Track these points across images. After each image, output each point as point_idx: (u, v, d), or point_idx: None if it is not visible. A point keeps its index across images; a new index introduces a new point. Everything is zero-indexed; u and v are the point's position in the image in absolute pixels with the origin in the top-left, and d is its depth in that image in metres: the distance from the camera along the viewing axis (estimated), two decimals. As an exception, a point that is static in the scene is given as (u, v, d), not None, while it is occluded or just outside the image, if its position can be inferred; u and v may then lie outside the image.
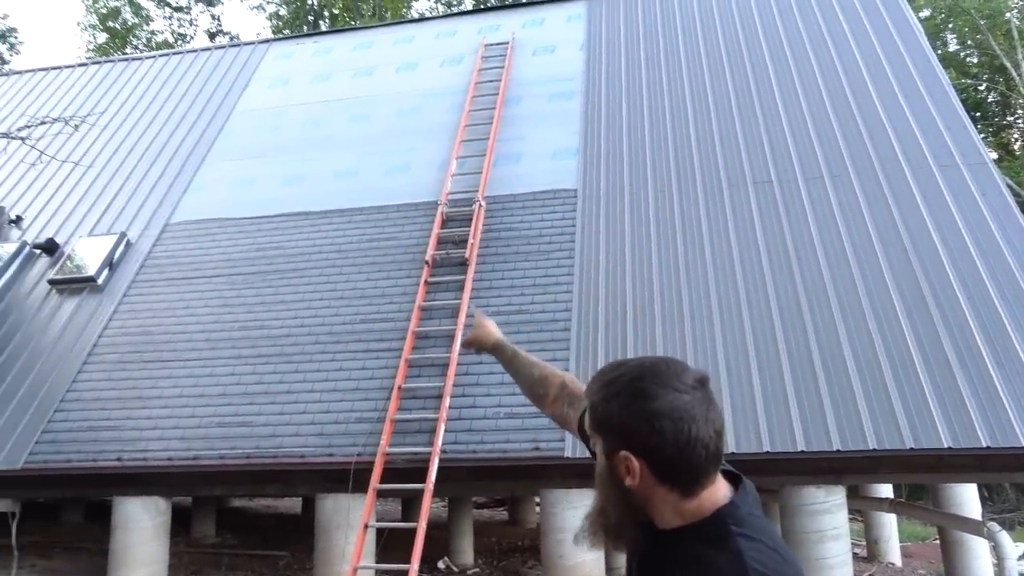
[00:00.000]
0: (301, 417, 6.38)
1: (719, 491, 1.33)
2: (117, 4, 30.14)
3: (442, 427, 5.93)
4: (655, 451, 1.27)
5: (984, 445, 4.96)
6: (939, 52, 21.63)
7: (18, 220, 9.53)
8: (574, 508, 5.67)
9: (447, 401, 6.09)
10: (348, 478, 5.88)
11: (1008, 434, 4.97)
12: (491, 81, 9.38)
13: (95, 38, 30.71)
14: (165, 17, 31.18)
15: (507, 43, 10.02)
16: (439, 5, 28.92)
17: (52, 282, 8.27)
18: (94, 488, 6.90)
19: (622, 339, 6.28)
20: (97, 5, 30.14)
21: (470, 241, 7.26)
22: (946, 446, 5.01)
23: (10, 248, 8.88)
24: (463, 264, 7.18)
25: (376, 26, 12.37)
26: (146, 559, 6.30)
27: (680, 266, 6.74)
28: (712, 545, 1.26)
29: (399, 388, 6.32)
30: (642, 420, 1.27)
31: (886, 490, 8.79)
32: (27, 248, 8.91)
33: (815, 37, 8.77)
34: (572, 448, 5.65)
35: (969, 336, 5.61)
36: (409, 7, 28.01)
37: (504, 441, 5.84)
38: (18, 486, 6.78)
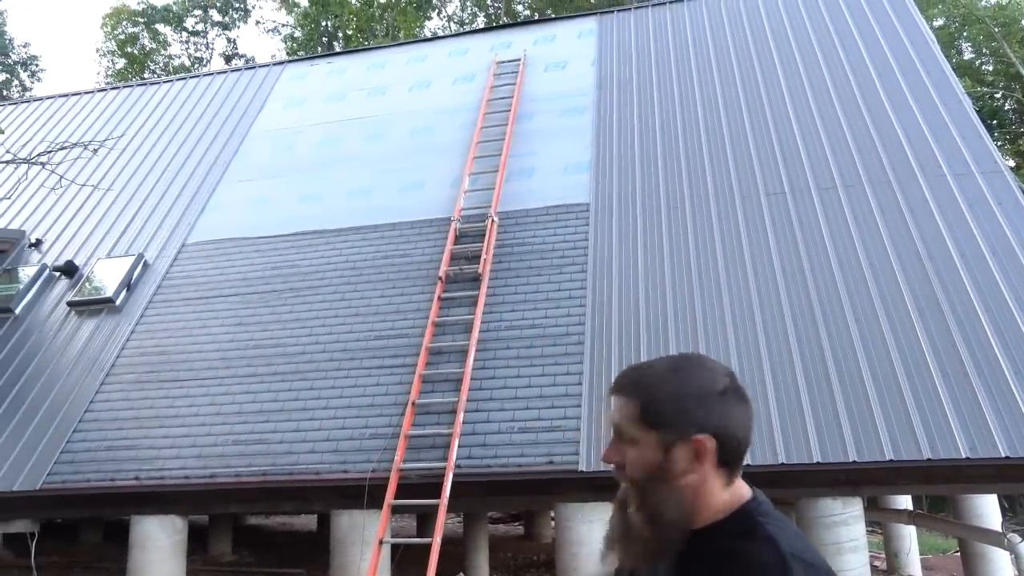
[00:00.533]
0: (316, 434, 6.40)
1: (743, 485, 1.38)
2: (135, 30, 30.67)
3: (456, 442, 5.94)
4: (726, 429, 1.33)
5: (1003, 455, 4.89)
6: (954, 61, 21.54)
7: (38, 243, 9.68)
8: (589, 522, 5.64)
9: (461, 416, 6.10)
10: (363, 494, 5.89)
11: (1028, 443, 4.90)
12: (503, 98, 9.44)
13: (114, 64, 31.25)
14: (182, 42, 31.70)
15: (519, 60, 10.09)
16: (452, 24, 29.19)
17: (71, 304, 8.38)
18: (112, 507, 6.95)
19: (636, 352, 6.27)
20: (115, 32, 30.69)
21: (483, 257, 7.29)
22: (964, 456, 4.96)
23: (30, 271, 9.01)
24: (476, 279, 7.21)
25: (389, 46, 12.51)
26: (164, 577, 6.32)
27: (693, 278, 6.73)
28: (744, 537, 1.29)
29: (413, 404, 6.33)
30: (712, 400, 1.34)
31: (905, 502, 8.68)
32: (47, 271, 9.04)
33: (827, 47, 8.78)
34: (586, 462, 5.64)
35: (986, 344, 5.55)
36: (422, 27, 28.28)
37: (518, 455, 5.83)
38: (37, 507, 6.84)
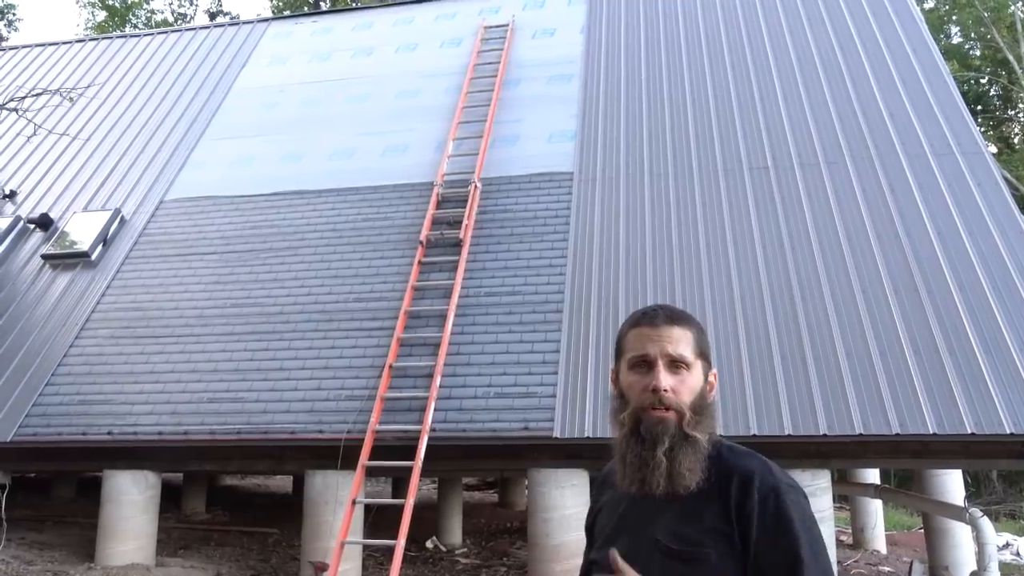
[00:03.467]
0: (292, 394, 6.39)
1: None
2: (117, -19, 29.96)
3: (432, 406, 5.95)
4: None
5: (969, 431, 4.98)
6: (942, 44, 21.56)
7: (12, 195, 9.51)
8: (561, 488, 5.70)
9: (438, 380, 6.11)
10: (338, 455, 5.91)
11: (993, 420, 4.99)
12: (490, 63, 9.35)
13: (94, 16, 30.56)
14: (165, -5, 31.00)
15: (507, 25, 9.98)
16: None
17: (46, 257, 8.27)
18: (84, 461, 6.92)
19: (614, 321, 6.29)
20: (97, -18, 29.96)
21: (465, 222, 7.26)
22: (931, 432, 5.04)
23: (4, 223, 8.86)
24: (457, 245, 7.18)
25: (376, 7, 12.32)
26: (135, 532, 6.32)
27: (674, 251, 6.74)
28: (721, 455, 1.55)
29: (390, 367, 6.33)
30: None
31: (873, 477, 8.84)
32: (21, 223, 8.90)
33: (816, 23, 8.75)
34: (561, 428, 5.67)
35: (958, 323, 5.62)
36: (411, -10, 27.82)
37: (494, 420, 5.86)
38: (7, 459, 6.81)
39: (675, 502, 1.49)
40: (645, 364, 1.55)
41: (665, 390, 1.51)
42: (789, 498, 1.46)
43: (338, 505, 5.91)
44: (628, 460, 1.53)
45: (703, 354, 1.58)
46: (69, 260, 8.17)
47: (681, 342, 1.55)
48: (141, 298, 7.54)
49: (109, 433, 6.43)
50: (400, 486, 9.74)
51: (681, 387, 1.53)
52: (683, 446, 1.49)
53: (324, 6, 27.86)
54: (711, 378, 1.59)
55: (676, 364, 1.54)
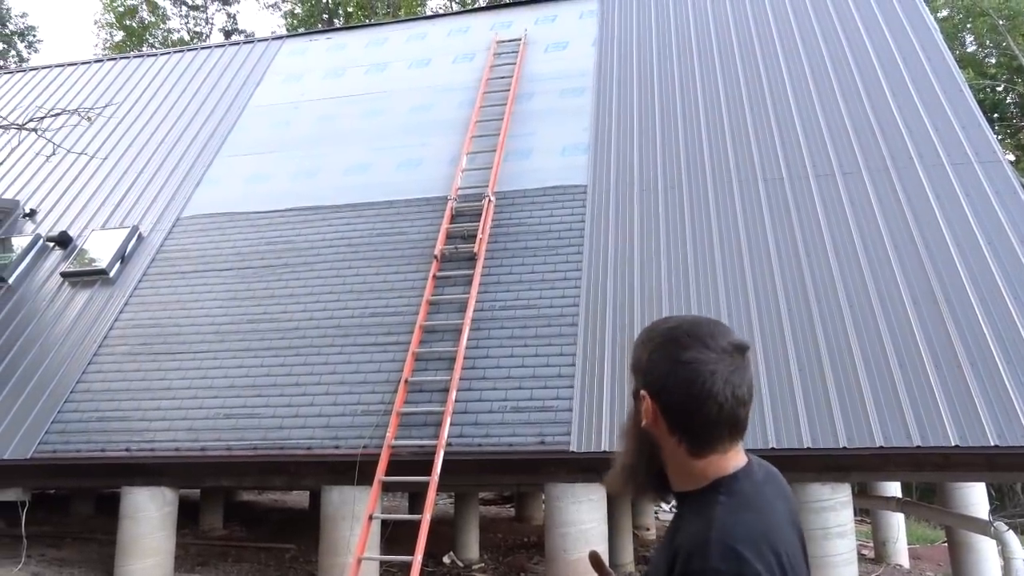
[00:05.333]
0: (308, 409, 6.40)
1: (729, 462, 1.35)
2: (134, 3, 30.39)
3: (448, 420, 5.94)
4: (667, 394, 1.34)
5: (992, 443, 4.91)
6: (957, 53, 21.44)
7: (33, 213, 9.62)
8: (578, 502, 5.66)
9: (453, 394, 6.10)
10: (354, 470, 5.90)
11: (1017, 432, 4.92)
12: (503, 77, 9.38)
13: (112, 36, 30.98)
14: (181, 16, 31.42)
15: (519, 39, 10.02)
16: (453, 4, 28.97)
17: (65, 274, 8.35)
18: (102, 478, 6.95)
19: (630, 335, 6.26)
20: (115, 3, 30.40)
21: (479, 236, 7.27)
22: (953, 444, 4.97)
23: (24, 241, 8.97)
24: (472, 259, 7.19)
25: (389, 23, 12.41)
26: (153, 549, 6.34)
27: (689, 262, 6.72)
28: (697, 512, 1.30)
29: (406, 381, 6.33)
30: (663, 364, 1.35)
31: (894, 490, 8.72)
32: (41, 241, 8.99)
33: (829, 33, 8.72)
34: (578, 442, 5.64)
35: (979, 334, 5.55)
36: (423, 6, 28.07)
37: (510, 435, 5.84)
38: (27, 476, 6.84)
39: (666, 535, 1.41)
40: None
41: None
42: None
43: (355, 521, 5.90)
44: None
45: (633, 367, 1.42)
46: (88, 277, 8.24)
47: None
48: (158, 314, 7.59)
49: (127, 449, 6.46)
50: (416, 501, 9.71)
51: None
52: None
53: (338, 23, 28.13)
54: (642, 399, 1.38)
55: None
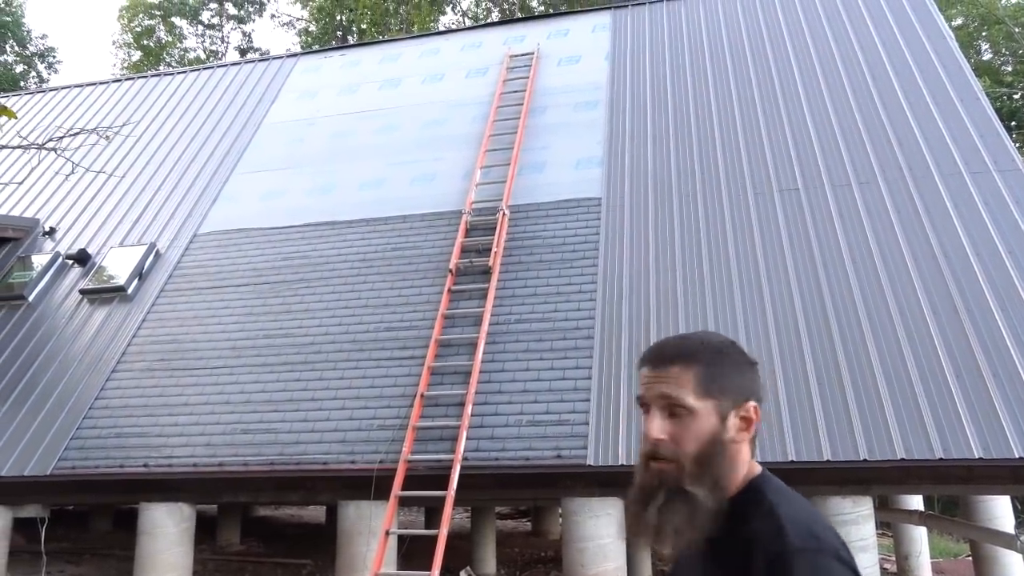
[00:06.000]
0: (324, 424, 6.40)
1: (756, 463, 1.44)
2: (151, 23, 30.81)
3: (464, 434, 5.92)
4: (760, 399, 1.42)
5: (1017, 455, 4.83)
6: (972, 61, 21.32)
7: (52, 231, 9.73)
8: (596, 517, 5.62)
9: (469, 408, 6.08)
10: (370, 485, 5.89)
11: (1042, 444, 4.84)
12: (516, 91, 9.42)
13: (130, 56, 31.42)
14: (197, 35, 31.82)
15: (532, 54, 10.06)
16: (465, 20, 29.16)
17: (84, 292, 8.42)
18: (120, 494, 6.97)
19: (646, 346, 6.19)
20: (132, 24, 30.83)
21: (494, 250, 7.27)
22: (977, 456, 4.90)
23: (44, 259, 9.06)
24: (486, 273, 7.19)
25: (402, 39, 12.50)
26: (171, 565, 6.34)
27: (705, 274, 6.68)
28: (749, 508, 1.34)
29: (421, 396, 6.32)
30: (755, 375, 1.43)
31: (916, 503, 8.61)
32: (60, 259, 9.09)
33: (843, 43, 8.70)
34: (594, 456, 5.61)
35: (1001, 344, 5.48)
36: (436, 22, 28.27)
37: (526, 448, 5.81)
38: (47, 492, 6.88)
39: (709, 550, 1.35)
40: (646, 408, 1.40)
41: (659, 439, 1.35)
42: (798, 564, 1.23)
43: (371, 536, 5.88)
44: (628, 512, 1.42)
45: (717, 391, 1.36)
46: (106, 294, 8.31)
47: (679, 383, 1.36)
48: (175, 330, 7.63)
49: (145, 465, 6.48)
50: (433, 516, 9.69)
51: (683, 434, 1.35)
52: (675, 503, 1.32)
53: (351, 40, 28.36)
54: (740, 415, 1.38)
55: (674, 408, 1.36)
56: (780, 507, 1.31)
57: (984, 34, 23.33)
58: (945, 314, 5.80)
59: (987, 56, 23.94)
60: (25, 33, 28.74)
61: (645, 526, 1.35)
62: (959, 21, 23.29)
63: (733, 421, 1.37)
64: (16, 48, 28.61)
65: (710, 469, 1.34)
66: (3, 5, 27.15)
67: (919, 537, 8.64)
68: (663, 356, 1.40)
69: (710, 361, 1.38)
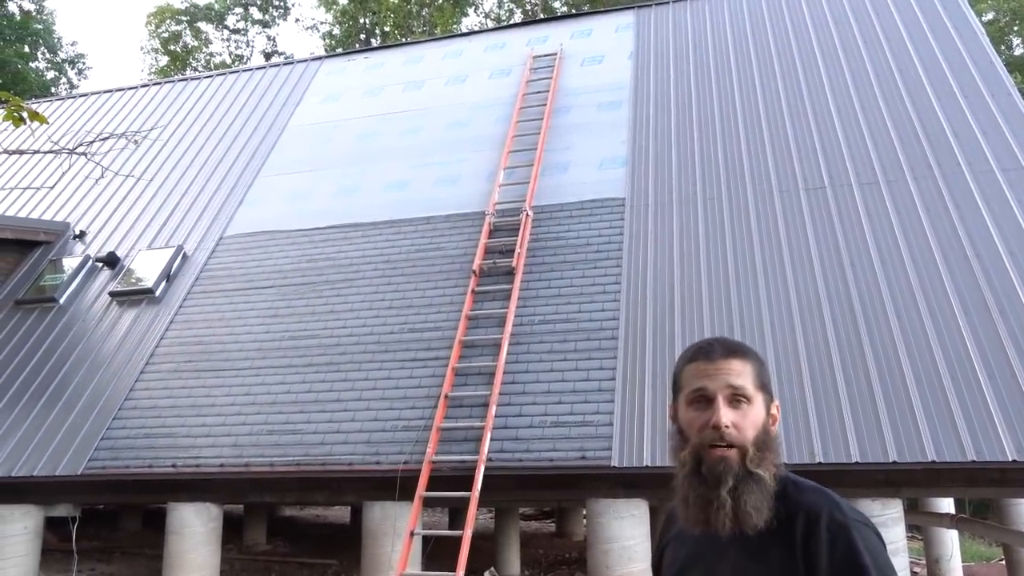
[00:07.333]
0: (349, 425, 6.43)
1: None
2: (178, 28, 31.20)
3: (488, 435, 5.92)
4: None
5: (1052, 458, 4.73)
6: (1003, 56, 20.96)
7: (82, 235, 9.88)
8: (620, 518, 5.59)
9: (493, 409, 6.08)
10: (395, 486, 5.90)
11: (1078, 446, 4.73)
12: (539, 92, 9.40)
13: (157, 61, 31.83)
14: (223, 39, 32.17)
15: (555, 54, 10.05)
16: (488, 21, 29.20)
17: (113, 294, 8.53)
18: (149, 494, 7.06)
19: (670, 348, 6.19)
20: (159, 30, 31.24)
21: (517, 251, 7.26)
22: (1011, 459, 4.80)
23: (74, 262, 9.20)
24: (510, 273, 7.19)
25: (426, 40, 12.53)
26: (198, 564, 6.41)
27: (730, 274, 6.63)
28: (790, 489, 1.49)
29: (446, 396, 6.33)
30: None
31: (947, 505, 8.46)
32: (90, 262, 9.22)
33: (870, 39, 8.59)
34: (619, 457, 5.58)
35: (1035, 344, 5.37)
36: (459, 23, 28.34)
37: (550, 449, 5.80)
38: (78, 491, 6.98)
39: (741, 540, 1.44)
40: (704, 400, 1.50)
41: (727, 426, 1.46)
42: (859, 536, 1.39)
43: (396, 536, 5.90)
44: (691, 501, 1.48)
45: (764, 386, 1.53)
46: (135, 296, 8.41)
47: (741, 375, 1.50)
48: (202, 332, 7.71)
49: (173, 465, 6.55)
50: (457, 517, 9.70)
51: (743, 422, 1.47)
52: (747, 484, 1.44)
53: (375, 42, 28.53)
54: (773, 410, 1.54)
55: (737, 398, 1.49)
56: (820, 488, 1.48)
57: (1016, 28, 22.92)
58: (977, 314, 5.70)
59: (1019, 51, 23.52)
60: (56, 40, 29.23)
61: (718, 508, 1.43)
62: (990, 16, 22.92)
63: (772, 414, 1.54)
64: (47, 55, 29.09)
65: (767, 452, 1.48)
66: (35, 13, 27.63)
67: (950, 540, 8.50)
68: (726, 350, 1.53)
69: (756, 359, 1.55)
